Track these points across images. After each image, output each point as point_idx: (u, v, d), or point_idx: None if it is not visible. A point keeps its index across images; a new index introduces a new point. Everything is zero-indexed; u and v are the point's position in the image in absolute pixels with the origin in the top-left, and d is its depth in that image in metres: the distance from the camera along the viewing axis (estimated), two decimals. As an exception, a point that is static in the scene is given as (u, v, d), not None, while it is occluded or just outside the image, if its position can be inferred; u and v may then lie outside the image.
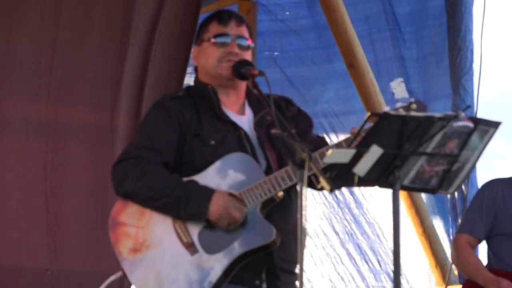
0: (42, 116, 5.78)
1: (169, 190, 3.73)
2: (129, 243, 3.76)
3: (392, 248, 3.27)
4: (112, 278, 4.13)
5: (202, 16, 6.13)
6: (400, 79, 6.87)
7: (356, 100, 6.99)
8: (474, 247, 5.03)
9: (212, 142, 3.83)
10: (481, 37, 6.01)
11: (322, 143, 3.92)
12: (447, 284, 6.55)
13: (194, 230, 3.73)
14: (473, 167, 3.37)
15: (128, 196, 3.79)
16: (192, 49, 4.05)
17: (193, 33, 5.98)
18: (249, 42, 3.95)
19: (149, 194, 3.75)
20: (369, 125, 3.25)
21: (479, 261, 4.97)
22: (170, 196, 3.71)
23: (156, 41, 6.10)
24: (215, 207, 3.68)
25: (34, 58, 5.76)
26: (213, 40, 3.93)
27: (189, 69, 6.46)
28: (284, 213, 3.84)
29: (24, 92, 5.74)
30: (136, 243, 3.76)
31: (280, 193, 3.73)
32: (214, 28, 3.96)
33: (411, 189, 3.43)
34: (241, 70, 3.86)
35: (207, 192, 3.71)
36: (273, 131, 3.91)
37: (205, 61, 3.96)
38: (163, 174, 3.78)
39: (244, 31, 3.96)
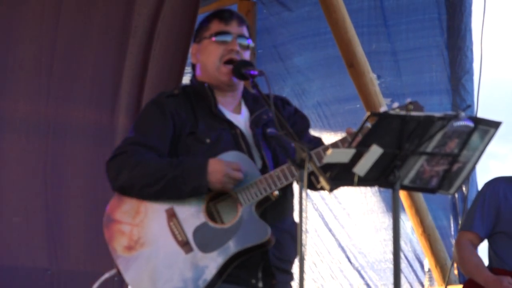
0: (42, 116, 5.77)
1: (163, 172, 3.73)
2: (123, 240, 3.77)
3: (392, 249, 3.27)
4: (106, 275, 4.13)
5: (201, 16, 6.14)
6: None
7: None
8: (476, 246, 5.03)
9: (208, 141, 3.84)
10: (481, 37, 6.01)
11: (319, 143, 3.92)
12: (447, 284, 6.56)
13: (189, 229, 3.74)
14: (474, 167, 3.37)
15: (125, 189, 3.80)
16: (191, 47, 4.06)
17: (191, 33, 5.99)
18: (249, 42, 3.97)
19: (145, 181, 3.74)
20: (368, 125, 3.24)
21: (480, 261, 4.97)
22: (166, 178, 3.72)
23: (155, 41, 6.10)
24: (215, 177, 3.69)
25: (34, 58, 5.76)
26: (213, 38, 3.94)
27: (188, 69, 6.47)
28: (279, 212, 3.84)
29: (24, 92, 5.74)
30: (130, 241, 3.76)
31: (276, 193, 3.74)
32: (215, 26, 3.97)
33: (412, 189, 3.43)
34: (241, 70, 3.87)
35: (201, 164, 3.72)
36: (269, 130, 3.91)
37: (206, 59, 3.97)
38: (155, 159, 3.78)
39: (245, 30, 3.98)
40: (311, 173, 3.41)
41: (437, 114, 3.21)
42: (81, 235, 5.77)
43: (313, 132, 4.13)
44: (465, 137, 3.27)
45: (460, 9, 6.88)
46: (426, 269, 7.04)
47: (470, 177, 6.35)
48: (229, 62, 3.92)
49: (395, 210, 3.29)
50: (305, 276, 3.24)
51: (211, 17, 4.01)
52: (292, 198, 3.94)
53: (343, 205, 7.53)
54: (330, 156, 3.23)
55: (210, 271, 3.68)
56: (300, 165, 3.33)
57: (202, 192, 3.73)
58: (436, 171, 3.32)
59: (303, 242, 3.22)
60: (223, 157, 3.78)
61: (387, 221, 7.26)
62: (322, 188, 3.29)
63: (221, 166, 3.70)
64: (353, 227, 7.48)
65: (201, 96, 3.95)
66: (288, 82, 7.71)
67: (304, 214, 3.24)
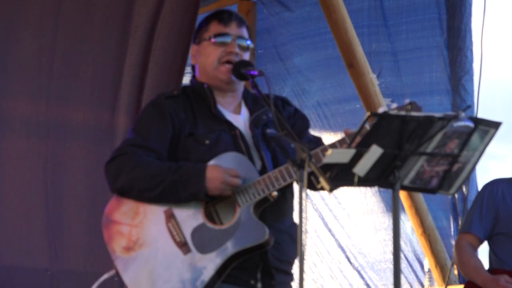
0: (42, 116, 5.77)
1: (163, 177, 3.73)
2: (122, 241, 3.78)
3: (392, 249, 3.27)
4: (105, 276, 4.14)
5: (201, 16, 6.13)
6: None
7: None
8: (476, 248, 5.04)
9: (207, 142, 3.83)
10: (481, 37, 6.01)
11: (318, 143, 3.92)
12: (447, 284, 6.56)
13: (187, 230, 3.74)
14: (474, 168, 3.37)
15: (124, 191, 3.80)
16: (191, 48, 4.07)
17: (191, 33, 5.99)
18: (248, 43, 3.96)
19: (144, 185, 3.75)
20: (367, 125, 3.24)
21: (479, 262, 4.97)
22: (165, 182, 3.72)
23: (155, 41, 6.10)
24: (213, 184, 3.70)
25: (34, 58, 5.76)
26: (213, 39, 3.94)
27: (188, 69, 6.46)
28: (278, 213, 3.84)
29: (24, 92, 5.74)
30: (129, 242, 3.77)
31: (274, 193, 3.74)
32: (215, 27, 3.96)
33: (411, 189, 3.43)
34: (241, 70, 3.86)
35: (200, 170, 3.72)
36: (269, 131, 3.91)
37: (204, 60, 3.96)
38: (154, 163, 3.79)
39: (244, 32, 3.97)
40: (311, 173, 3.40)
41: (437, 115, 3.21)
42: (81, 235, 5.77)
43: (313, 132, 4.13)
44: (465, 137, 3.27)
45: (460, 9, 6.88)
46: (426, 269, 7.04)
47: (470, 177, 6.35)
48: (227, 63, 3.92)
49: (395, 210, 3.29)
50: (305, 276, 3.24)
51: (210, 18, 4.01)
52: (291, 199, 3.94)
53: (343, 205, 7.53)
54: (330, 156, 3.23)
55: (208, 272, 3.68)
56: (300, 165, 3.33)
57: (200, 198, 3.73)
58: (436, 171, 3.32)
59: (303, 242, 3.22)
60: (222, 158, 3.78)
61: (387, 221, 7.25)
62: (322, 189, 3.29)
63: (219, 173, 3.70)
64: (353, 227, 7.48)
65: (201, 96, 3.94)
66: (288, 82, 7.71)
67: (304, 215, 3.23)
